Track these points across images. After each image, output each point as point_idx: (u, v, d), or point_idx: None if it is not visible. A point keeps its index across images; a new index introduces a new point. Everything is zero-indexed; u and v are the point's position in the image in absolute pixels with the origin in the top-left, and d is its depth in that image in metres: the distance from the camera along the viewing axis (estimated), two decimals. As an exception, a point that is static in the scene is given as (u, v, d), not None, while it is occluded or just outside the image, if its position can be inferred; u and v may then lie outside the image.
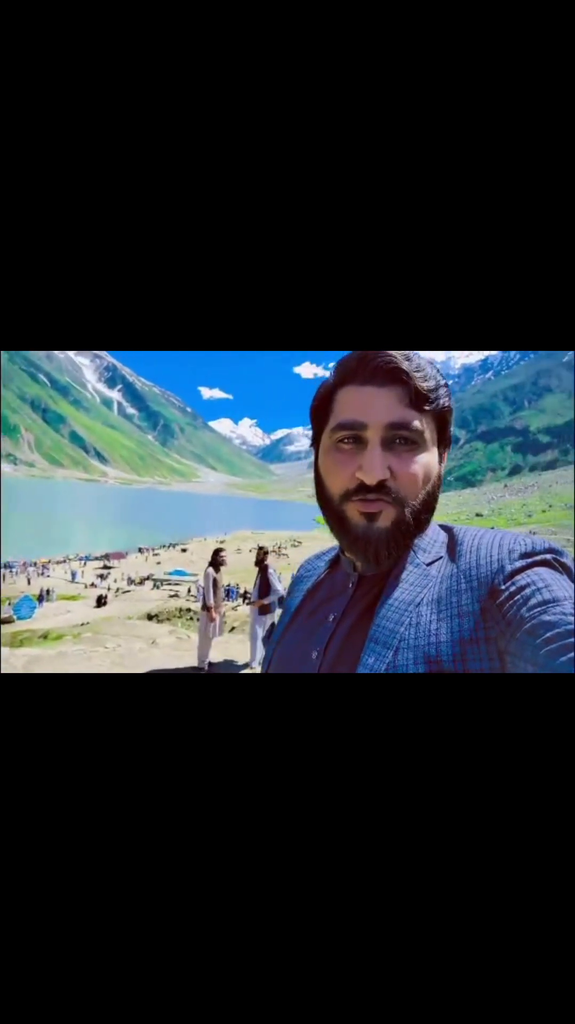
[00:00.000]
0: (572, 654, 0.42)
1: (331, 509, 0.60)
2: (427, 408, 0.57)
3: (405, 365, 0.56)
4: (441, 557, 0.59)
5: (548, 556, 0.53)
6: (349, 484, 0.57)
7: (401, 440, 0.56)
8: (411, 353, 0.57)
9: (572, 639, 0.43)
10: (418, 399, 0.56)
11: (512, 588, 0.50)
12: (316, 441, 0.64)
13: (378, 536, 0.57)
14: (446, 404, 0.59)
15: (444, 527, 0.63)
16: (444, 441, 0.61)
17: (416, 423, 0.56)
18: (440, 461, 0.61)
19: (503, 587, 0.51)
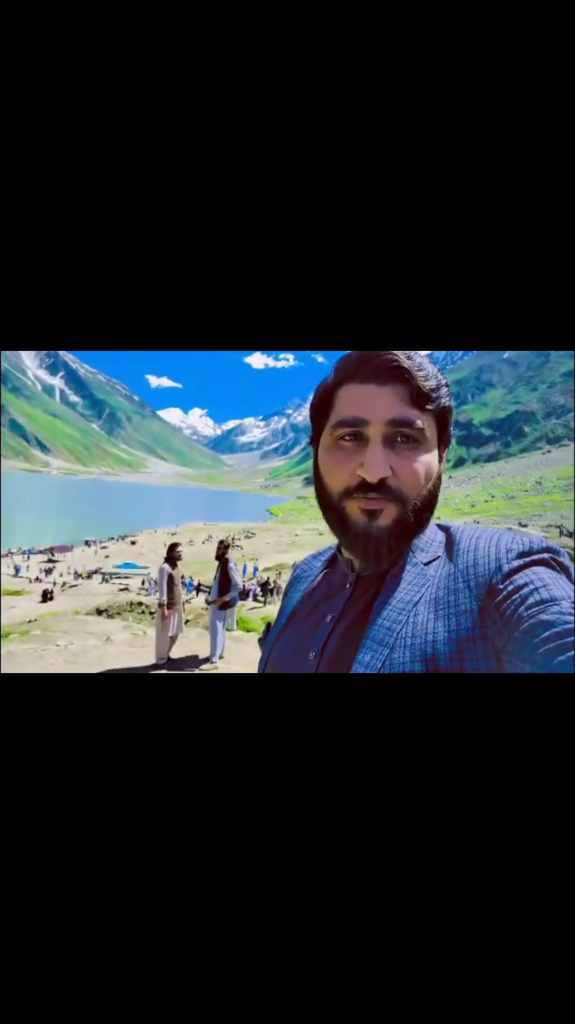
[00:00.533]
0: (570, 653, 0.42)
1: (331, 506, 0.59)
2: (428, 407, 0.57)
3: (407, 364, 0.56)
4: (438, 557, 0.59)
5: (546, 555, 0.53)
6: (350, 481, 0.57)
7: (403, 438, 0.56)
8: (411, 352, 0.57)
9: (570, 638, 0.43)
10: (419, 398, 0.56)
11: (510, 587, 0.50)
12: (315, 439, 0.64)
13: (379, 534, 0.56)
14: (447, 404, 0.59)
15: (442, 527, 0.63)
16: (444, 440, 0.61)
17: (418, 422, 0.56)
18: (440, 460, 0.61)
19: (501, 586, 0.51)
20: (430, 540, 0.61)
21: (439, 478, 0.60)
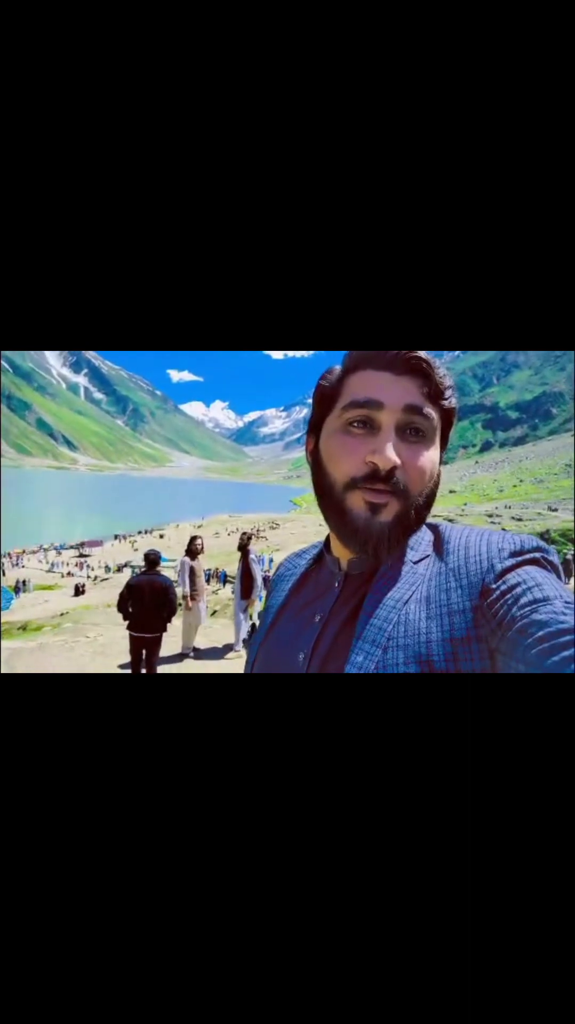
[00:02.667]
0: (564, 653, 0.42)
1: (332, 497, 0.58)
2: (442, 403, 0.57)
3: (425, 357, 0.56)
4: (428, 555, 0.58)
5: (537, 554, 0.53)
6: (358, 470, 0.55)
7: (413, 430, 0.56)
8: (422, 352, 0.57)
9: (564, 638, 0.43)
10: (435, 393, 0.56)
11: (503, 587, 0.50)
12: (316, 427, 0.62)
13: (380, 530, 0.55)
14: (455, 405, 0.59)
15: (429, 525, 0.63)
16: (444, 443, 0.61)
17: (431, 413, 0.56)
18: (439, 461, 0.60)
19: (494, 586, 0.50)
20: (419, 539, 0.60)
21: (439, 477, 0.60)
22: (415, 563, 0.58)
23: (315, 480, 0.61)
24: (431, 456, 0.57)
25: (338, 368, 0.60)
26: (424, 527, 0.61)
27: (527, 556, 0.53)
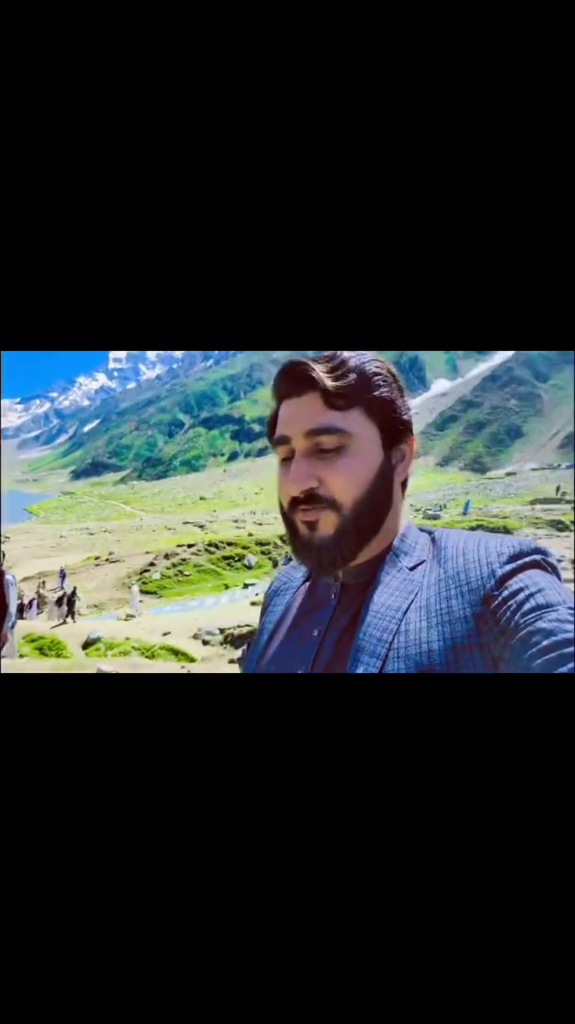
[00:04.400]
0: (571, 664, 0.42)
1: (284, 520, 0.61)
2: (354, 405, 0.57)
3: (317, 369, 0.56)
4: (424, 561, 0.58)
5: (537, 557, 0.53)
6: (286, 497, 0.59)
7: (323, 448, 0.57)
8: (337, 352, 0.58)
9: (569, 649, 0.43)
10: (330, 398, 0.56)
11: (505, 593, 0.50)
12: None
13: (320, 543, 0.57)
14: (379, 395, 0.58)
15: (425, 530, 0.63)
16: (392, 435, 0.60)
17: (339, 424, 0.56)
18: (389, 457, 0.60)
19: (495, 592, 0.50)
20: (413, 543, 0.61)
21: (385, 477, 0.59)
22: (411, 569, 0.58)
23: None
24: (356, 463, 0.57)
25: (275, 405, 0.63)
26: (418, 532, 0.62)
27: (527, 559, 0.52)
